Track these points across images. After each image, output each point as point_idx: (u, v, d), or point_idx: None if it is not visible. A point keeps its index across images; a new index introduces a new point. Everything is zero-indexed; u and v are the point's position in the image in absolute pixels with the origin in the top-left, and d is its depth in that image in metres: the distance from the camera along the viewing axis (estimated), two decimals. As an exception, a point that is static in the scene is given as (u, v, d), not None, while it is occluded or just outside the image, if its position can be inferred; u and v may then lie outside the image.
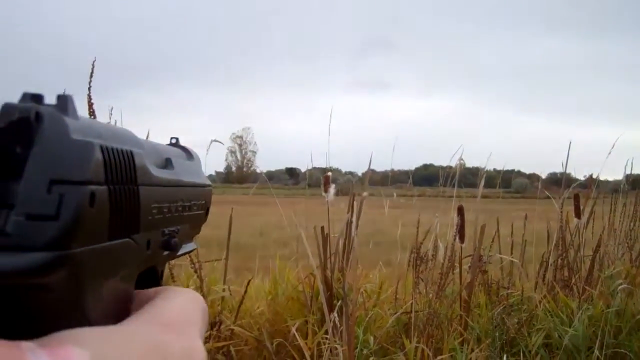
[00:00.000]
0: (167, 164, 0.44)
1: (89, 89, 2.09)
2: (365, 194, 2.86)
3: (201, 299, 0.42)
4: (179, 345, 0.34)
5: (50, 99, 0.30)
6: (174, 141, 0.53)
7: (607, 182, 4.92)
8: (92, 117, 2.03)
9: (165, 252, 0.44)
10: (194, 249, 0.52)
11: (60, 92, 0.31)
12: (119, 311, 0.36)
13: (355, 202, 2.90)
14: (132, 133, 0.38)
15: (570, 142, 3.89)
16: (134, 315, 0.36)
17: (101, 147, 0.30)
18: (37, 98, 0.29)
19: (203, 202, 0.52)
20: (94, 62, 2.07)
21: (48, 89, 0.30)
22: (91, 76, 2.08)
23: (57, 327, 0.29)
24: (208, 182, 0.54)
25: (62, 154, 0.28)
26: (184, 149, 0.53)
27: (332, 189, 2.49)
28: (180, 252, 0.48)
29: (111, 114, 2.46)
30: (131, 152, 0.35)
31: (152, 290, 0.41)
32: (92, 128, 0.31)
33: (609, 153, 3.91)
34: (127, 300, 0.38)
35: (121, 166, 0.33)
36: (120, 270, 0.35)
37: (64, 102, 0.30)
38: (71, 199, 0.28)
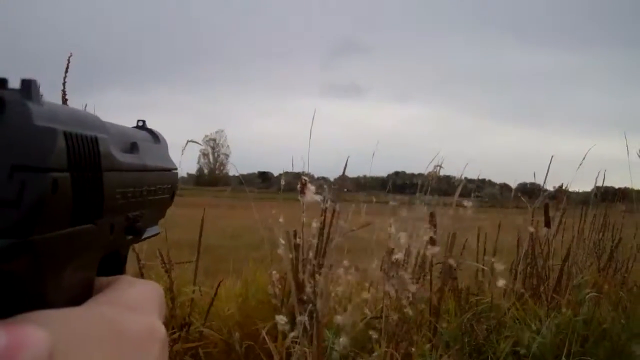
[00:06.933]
0: (133, 148, 0.44)
1: (64, 84, 2.06)
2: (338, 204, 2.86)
3: (159, 287, 0.43)
4: (138, 324, 0.35)
5: (14, 84, 0.29)
6: (140, 124, 0.52)
7: (577, 193, 4.98)
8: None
9: (129, 237, 0.44)
10: (158, 233, 0.52)
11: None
12: (81, 295, 0.36)
13: (328, 208, 2.91)
14: (98, 118, 0.38)
15: (552, 157, 3.95)
16: (94, 297, 0.37)
17: (64, 134, 0.30)
18: (1, 82, 0.29)
19: (168, 186, 0.52)
20: (69, 57, 2.04)
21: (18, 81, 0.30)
22: (66, 71, 2.04)
23: (19, 311, 0.29)
24: (174, 165, 0.54)
25: (24, 140, 0.28)
26: (150, 131, 0.52)
27: (312, 189, 2.46)
28: (144, 236, 0.48)
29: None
30: (95, 138, 0.34)
31: (110, 277, 0.41)
32: (56, 113, 0.31)
33: (580, 165, 3.97)
34: (89, 284, 0.38)
35: (85, 152, 0.33)
36: (83, 255, 0.35)
37: (28, 87, 0.29)
38: (33, 186, 0.27)
